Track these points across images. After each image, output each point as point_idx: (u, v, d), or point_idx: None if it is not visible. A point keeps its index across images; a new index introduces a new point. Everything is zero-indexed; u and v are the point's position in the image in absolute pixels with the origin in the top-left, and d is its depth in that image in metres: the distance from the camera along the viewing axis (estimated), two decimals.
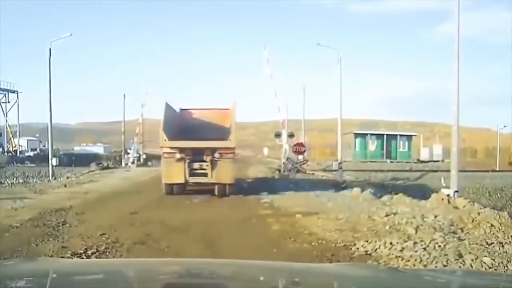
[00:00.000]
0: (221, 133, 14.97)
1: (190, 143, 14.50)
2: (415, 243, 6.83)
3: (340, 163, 23.65)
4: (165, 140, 14.30)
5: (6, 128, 50.31)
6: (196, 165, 14.39)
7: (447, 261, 5.94)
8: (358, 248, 7.02)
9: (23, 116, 53.32)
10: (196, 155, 14.39)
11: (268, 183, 18.96)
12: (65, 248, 7.07)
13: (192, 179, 14.58)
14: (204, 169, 14.39)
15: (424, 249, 6.52)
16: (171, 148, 14.45)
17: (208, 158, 14.30)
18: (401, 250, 6.62)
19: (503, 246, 6.73)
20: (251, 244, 7.63)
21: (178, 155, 14.30)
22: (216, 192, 14.44)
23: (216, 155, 14.35)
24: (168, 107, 15.39)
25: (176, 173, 14.37)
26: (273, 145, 46.78)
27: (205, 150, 14.37)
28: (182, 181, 14.54)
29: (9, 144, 50.34)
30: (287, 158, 23.19)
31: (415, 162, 42.21)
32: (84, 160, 39.79)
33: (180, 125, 15.77)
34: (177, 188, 14.90)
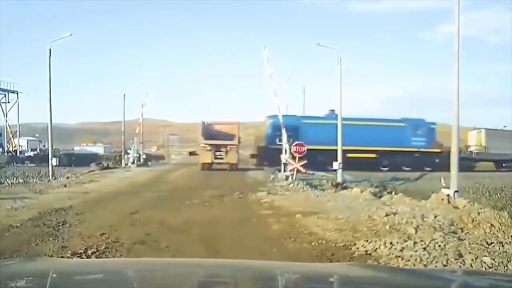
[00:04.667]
0: (231, 136, 28.94)
1: (215, 142, 28.50)
2: (415, 243, 6.83)
3: (340, 163, 23.64)
4: (202, 139, 28.99)
5: (6, 128, 50.21)
6: (217, 153, 28.43)
7: (447, 261, 5.95)
8: (358, 248, 7.02)
9: (23, 116, 53.35)
10: (218, 148, 28.49)
11: None
12: (65, 248, 7.06)
13: (215, 161, 28.56)
14: (222, 156, 28.41)
15: (424, 249, 6.52)
16: (205, 144, 28.75)
17: (224, 150, 28.40)
18: (401, 250, 6.62)
19: (503, 246, 6.73)
20: (251, 244, 7.63)
21: (208, 148, 28.62)
22: (228, 168, 27.58)
23: (228, 148, 28.41)
24: (203, 123, 30.41)
25: (207, 157, 28.57)
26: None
27: (222, 145, 28.45)
28: (210, 161, 28.53)
29: (9, 144, 50.25)
30: (287, 159, 23.18)
31: None
32: (84, 160, 39.76)
33: (209, 132, 29.58)
34: (207, 166, 28.33)
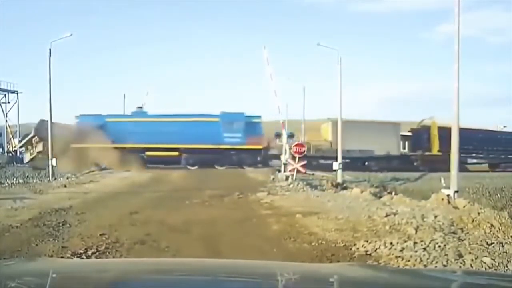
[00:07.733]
0: None
1: None
2: (415, 243, 6.84)
3: (340, 163, 23.65)
4: None
5: (6, 128, 50.20)
6: None
7: (447, 261, 5.95)
8: (358, 248, 7.02)
9: (23, 116, 52.96)
10: None
11: None
12: (65, 248, 7.07)
13: None
14: None
15: (424, 249, 6.52)
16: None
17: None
18: (401, 250, 6.62)
19: (503, 246, 6.73)
20: (251, 244, 7.63)
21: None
22: None
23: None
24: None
25: None
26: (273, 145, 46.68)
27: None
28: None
29: (9, 144, 50.20)
30: (287, 160, 23.20)
31: None
32: None
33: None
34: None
